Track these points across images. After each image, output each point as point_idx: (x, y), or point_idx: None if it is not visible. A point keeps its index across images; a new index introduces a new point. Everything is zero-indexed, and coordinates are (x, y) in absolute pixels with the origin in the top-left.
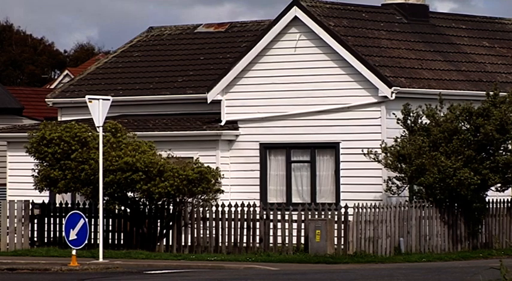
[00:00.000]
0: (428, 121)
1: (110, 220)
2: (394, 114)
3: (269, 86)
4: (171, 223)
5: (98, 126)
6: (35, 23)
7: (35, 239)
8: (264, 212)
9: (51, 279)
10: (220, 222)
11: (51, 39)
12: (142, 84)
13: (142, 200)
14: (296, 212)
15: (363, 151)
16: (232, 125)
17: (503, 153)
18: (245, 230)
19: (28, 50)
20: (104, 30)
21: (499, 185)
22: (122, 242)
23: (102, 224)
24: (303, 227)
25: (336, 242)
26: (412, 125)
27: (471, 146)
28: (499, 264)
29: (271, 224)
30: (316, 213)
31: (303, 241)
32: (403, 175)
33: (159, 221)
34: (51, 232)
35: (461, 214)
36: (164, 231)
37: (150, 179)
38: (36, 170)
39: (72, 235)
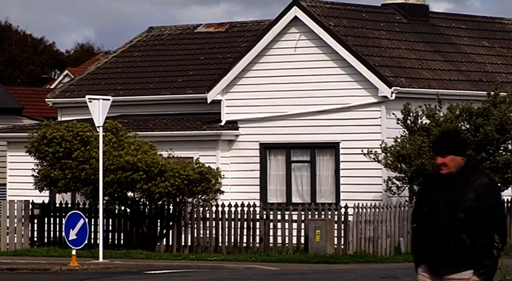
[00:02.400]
0: (428, 121)
1: (110, 220)
2: (394, 114)
3: (269, 86)
4: (171, 223)
5: (98, 126)
6: (34, 23)
7: (35, 239)
8: (264, 212)
9: (51, 279)
10: (220, 222)
11: (50, 39)
12: (143, 84)
13: (142, 200)
14: (296, 212)
15: (362, 151)
16: (232, 125)
17: (503, 153)
18: (245, 230)
19: (28, 50)
20: (100, 30)
21: (499, 185)
22: (121, 242)
23: (102, 224)
24: (303, 227)
25: (336, 242)
26: (412, 125)
27: (471, 146)
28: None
29: (271, 224)
30: (316, 213)
31: (303, 241)
32: (403, 175)
33: (159, 221)
34: (51, 232)
35: None
36: (164, 231)
37: (150, 178)
38: (36, 170)
39: (72, 235)
